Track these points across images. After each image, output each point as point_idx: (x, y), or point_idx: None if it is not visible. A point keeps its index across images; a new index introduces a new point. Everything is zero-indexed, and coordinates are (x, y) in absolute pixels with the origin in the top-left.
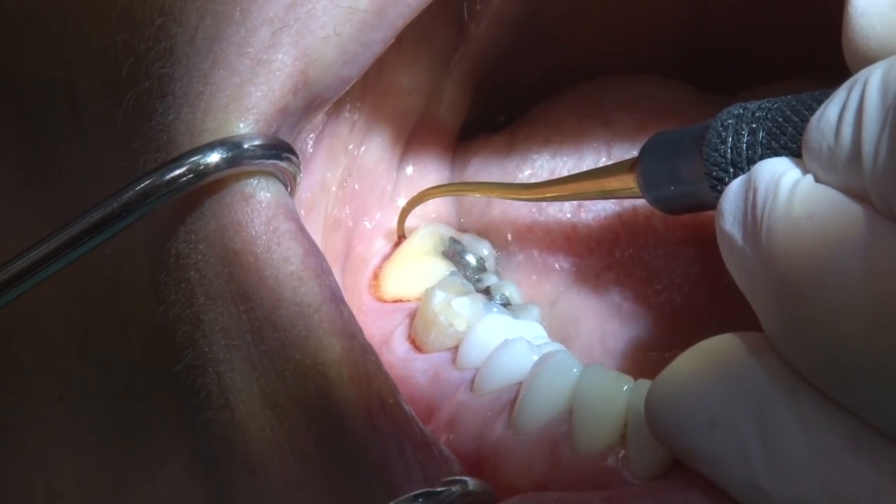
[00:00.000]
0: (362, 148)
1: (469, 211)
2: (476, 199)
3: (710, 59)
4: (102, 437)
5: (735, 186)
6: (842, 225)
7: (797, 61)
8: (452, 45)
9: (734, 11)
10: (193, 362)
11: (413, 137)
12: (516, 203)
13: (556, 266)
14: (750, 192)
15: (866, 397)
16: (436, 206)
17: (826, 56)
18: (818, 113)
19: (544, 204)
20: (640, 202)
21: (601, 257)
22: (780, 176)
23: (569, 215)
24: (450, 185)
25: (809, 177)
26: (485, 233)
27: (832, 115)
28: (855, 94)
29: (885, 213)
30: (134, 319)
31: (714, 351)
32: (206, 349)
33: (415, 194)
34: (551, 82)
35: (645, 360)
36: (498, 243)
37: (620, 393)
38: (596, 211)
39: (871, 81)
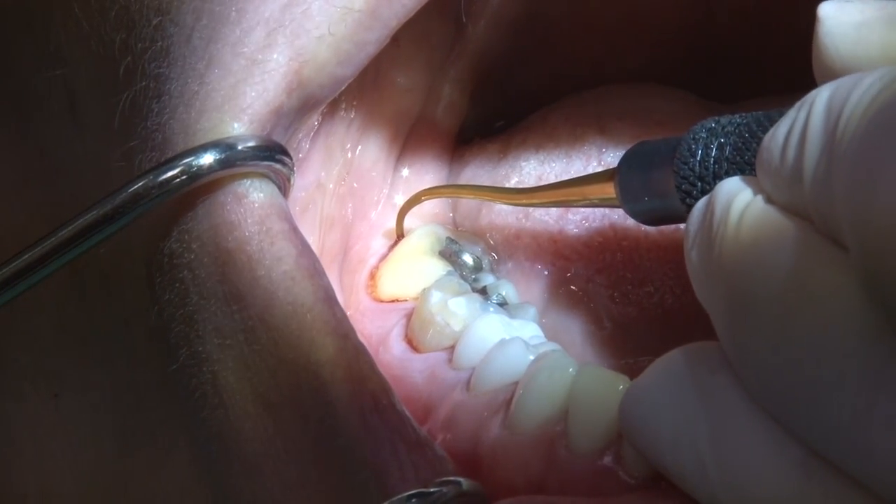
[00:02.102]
0: (359, 147)
1: (463, 213)
2: (469, 202)
3: (713, 66)
4: (102, 435)
5: (698, 208)
6: (781, 252)
7: (801, 71)
8: (450, 45)
9: (737, 17)
10: (188, 362)
11: (410, 137)
12: (505, 209)
13: (546, 271)
14: (708, 214)
15: (797, 425)
16: (432, 207)
17: None
18: (770, 132)
19: (531, 208)
20: None
21: (591, 261)
22: (733, 199)
23: (556, 218)
24: (446, 186)
25: (759, 199)
26: (476, 239)
27: (781, 134)
28: (801, 115)
29: (824, 232)
30: (136, 317)
31: (678, 365)
32: (200, 349)
33: (412, 194)
34: (551, 87)
35: (637, 365)
36: (487, 249)
37: (616, 392)
38: (584, 212)
39: (816, 103)
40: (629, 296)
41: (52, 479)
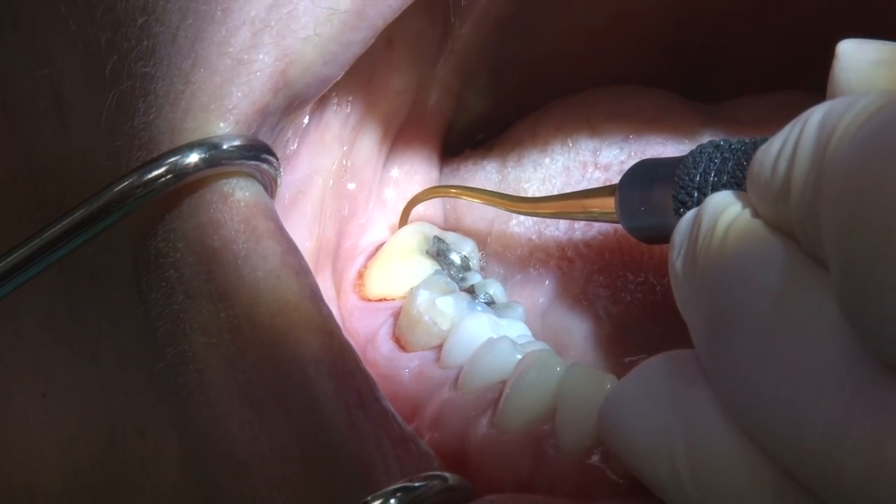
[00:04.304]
0: (351, 147)
1: (456, 212)
2: (474, 215)
3: (696, 67)
4: (91, 434)
5: (686, 219)
6: (765, 270)
7: (784, 72)
8: (439, 45)
9: (722, 18)
10: (175, 360)
11: (399, 138)
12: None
13: (548, 271)
14: (695, 226)
15: (771, 445)
16: (421, 205)
17: (814, 68)
18: (764, 146)
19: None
20: None
21: (592, 260)
22: (721, 212)
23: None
24: (453, 186)
25: (747, 212)
26: (464, 237)
27: (773, 149)
28: (794, 132)
29: (807, 250)
30: (123, 316)
31: (657, 373)
32: (186, 347)
33: (420, 191)
34: (535, 88)
35: (637, 364)
36: (483, 245)
37: (603, 392)
38: None
39: (810, 121)
40: (630, 295)
41: (40, 479)
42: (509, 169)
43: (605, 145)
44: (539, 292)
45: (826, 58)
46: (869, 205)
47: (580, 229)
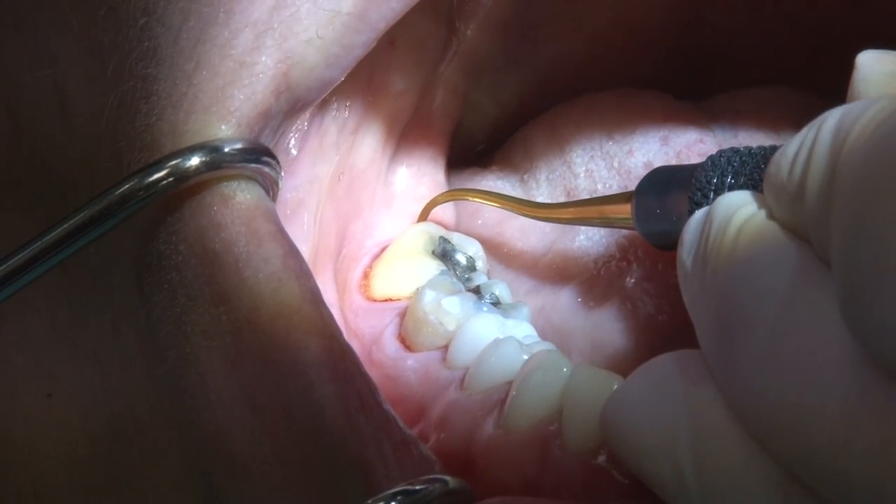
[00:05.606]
0: (353, 148)
1: (468, 219)
2: (483, 212)
3: (697, 68)
4: (95, 434)
5: (697, 217)
6: (777, 273)
7: (785, 74)
8: (443, 46)
9: (726, 18)
10: (177, 363)
11: (405, 139)
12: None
13: (568, 276)
14: (707, 224)
15: (777, 447)
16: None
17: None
18: (781, 149)
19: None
20: None
21: (643, 265)
22: (734, 211)
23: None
24: (470, 190)
25: (762, 213)
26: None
27: (790, 151)
28: (811, 134)
29: (820, 252)
30: (126, 318)
31: (663, 373)
32: (188, 350)
33: (437, 195)
34: (538, 90)
35: None
36: (496, 252)
37: (610, 392)
38: None
39: (826, 124)
40: (675, 303)
41: (46, 480)
42: (531, 189)
43: (652, 156)
44: (586, 296)
45: (825, 60)
46: (872, 212)
47: (598, 232)
